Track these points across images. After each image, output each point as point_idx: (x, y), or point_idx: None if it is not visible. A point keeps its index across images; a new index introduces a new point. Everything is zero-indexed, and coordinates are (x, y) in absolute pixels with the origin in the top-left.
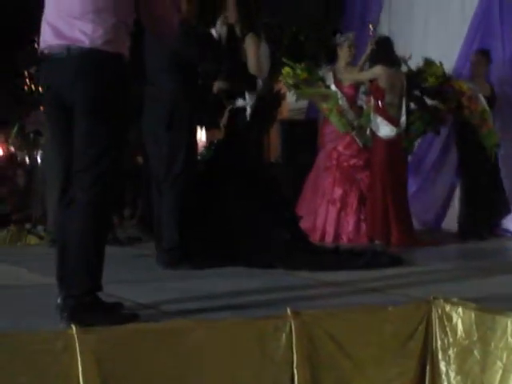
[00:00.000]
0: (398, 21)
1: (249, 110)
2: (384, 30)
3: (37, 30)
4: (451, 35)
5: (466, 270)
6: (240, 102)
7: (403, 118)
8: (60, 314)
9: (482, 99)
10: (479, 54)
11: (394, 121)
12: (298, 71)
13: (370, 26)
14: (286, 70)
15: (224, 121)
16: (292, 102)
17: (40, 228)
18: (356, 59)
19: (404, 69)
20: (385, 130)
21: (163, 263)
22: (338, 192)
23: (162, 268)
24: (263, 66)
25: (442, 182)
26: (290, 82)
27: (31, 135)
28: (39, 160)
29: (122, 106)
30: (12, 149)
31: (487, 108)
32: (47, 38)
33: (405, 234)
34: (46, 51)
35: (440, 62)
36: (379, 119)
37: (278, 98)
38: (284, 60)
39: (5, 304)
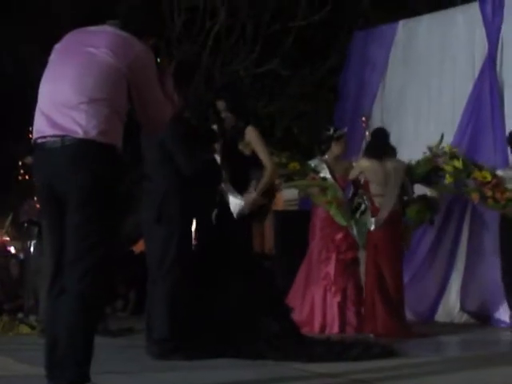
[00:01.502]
0: (391, 112)
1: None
2: (376, 122)
3: (32, 121)
4: (443, 124)
5: (459, 361)
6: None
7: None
8: None
9: None
10: None
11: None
12: (284, 160)
13: (363, 119)
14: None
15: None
16: (287, 193)
17: (32, 318)
18: (348, 153)
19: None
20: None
21: (153, 354)
22: (339, 284)
23: (152, 359)
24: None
25: (435, 273)
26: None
27: (25, 225)
28: (32, 250)
29: (114, 198)
30: (7, 238)
31: None
32: (41, 128)
33: (397, 324)
34: (39, 141)
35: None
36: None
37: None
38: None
39: None
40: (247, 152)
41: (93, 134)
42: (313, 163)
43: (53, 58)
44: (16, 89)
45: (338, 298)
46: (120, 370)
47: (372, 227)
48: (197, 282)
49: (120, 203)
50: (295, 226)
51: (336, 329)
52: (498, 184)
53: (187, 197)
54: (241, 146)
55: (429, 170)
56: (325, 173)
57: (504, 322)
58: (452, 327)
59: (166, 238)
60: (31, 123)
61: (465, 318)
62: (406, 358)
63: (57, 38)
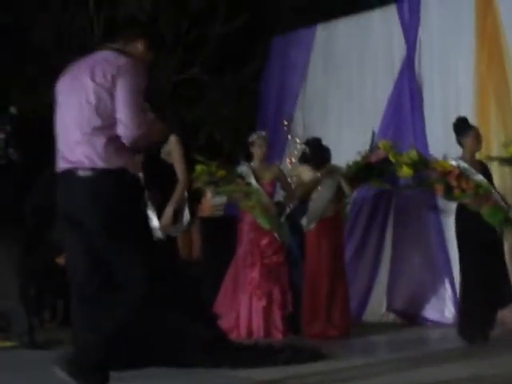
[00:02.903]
0: (313, 115)
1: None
2: (299, 125)
3: None
4: (365, 125)
5: (387, 363)
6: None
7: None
8: None
9: (476, 175)
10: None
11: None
12: (213, 169)
13: (285, 123)
14: (199, 168)
15: None
16: (215, 198)
17: None
18: (271, 156)
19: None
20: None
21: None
22: (264, 288)
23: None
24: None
25: (362, 273)
26: (205, 179)
27: None
28: None
29: (132, 218)
30: None
31: (483, 182)
32: (59, 164)
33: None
34: (59, 176)
35: (416, 149)
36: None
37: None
38: (197, 157)
39: None
40: (169, 160)
41: (99, 162)
42: (239, 169)
43: (56, 98)
44: None
45: (263, 303)
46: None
47: (310, 226)
48: None
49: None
50: (222, 232)
51: (262, 333)
52: (461, 173)
53: None
54: (163, 155)
55: (361, 168)
56: (250, 179)
57: (430, 321)
58: (379, 327)
59: None
60: None
61: (392, 317)
62: (335, 360)
63: None
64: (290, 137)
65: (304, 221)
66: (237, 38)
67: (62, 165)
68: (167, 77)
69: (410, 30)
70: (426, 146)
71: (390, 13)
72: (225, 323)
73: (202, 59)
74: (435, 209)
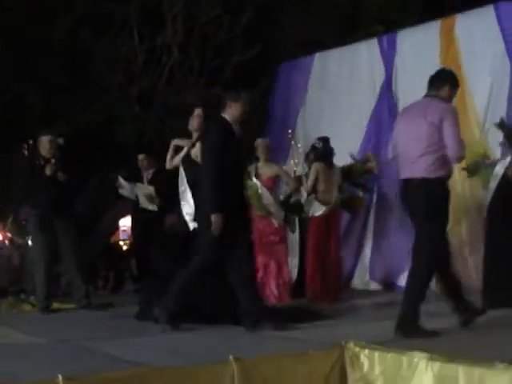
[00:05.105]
0: (312, 126)
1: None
2: (300, 134)
3: None
4: (352, 137)
5: (371, 320)
6: None
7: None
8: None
9: None
10: None
11: (326, 203)
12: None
13: (289, 131)
14: None
15: None
16: None
17: (32, 298)
18: (278, 158)
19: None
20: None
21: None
22: (260, 262)
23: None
24: None
25: (350, 248)
26: None
27: (23, 223)
28: (30, 243)
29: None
30: (9, 234)
31: None
32: (402, 173)
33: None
34: (401, 182)
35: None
36: (316, 203)
37: None
38: None
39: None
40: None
41: (430, 174)
42: (248, 168)
43: (397, 127)
44: None
45: (260, 274)
46: (103, 336)
47: (319, 213)
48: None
49: None
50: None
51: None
52: None
53: None
54: (193, 157)
55: (362, 173)
56: (251, 175)
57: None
58: (364, 292)
59: None
60: None
61: (374, 284)
62: (331, 319)
63: None
64: (293, 142)
65: (314, 207)
66: (251, 64)
67: (404, 174)
68: (195, 95)
69: (388, 58)
70: None
71: (373, 45)
72: None
73: (223, 81)
74: None
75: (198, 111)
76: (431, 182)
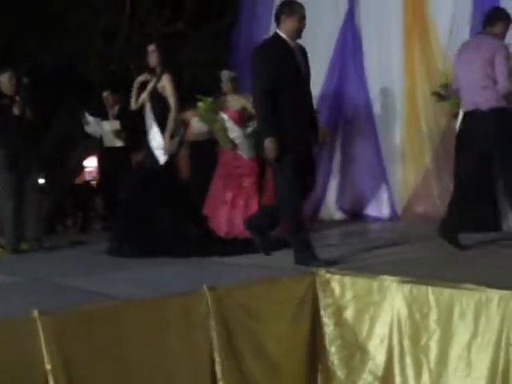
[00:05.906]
0: None
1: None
2: None
3: None
4: (319, 66)
5: (338, 248)
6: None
7: None
8: None
9: None
10: None
11: None
12: (212, 104)
13: None
14: (202, 105)
15: None
16: (196, 127)
17: (1, 239)
18: (245, 89)
19: None
20: None
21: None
22: (229, 195)
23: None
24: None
25: (318, 180)
26: (209, 114)
27: None
28: None
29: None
30: None
31: None
32: (465, 105)
33: None
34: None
35: None
36: None
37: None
38: (199, 97)
39: None
40: (164, 94)
41: (493, 104)
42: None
43: (459, 54)
44: None
45: (228, 206)
46: (76, 272)
47: None
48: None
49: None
50: (205, 155)
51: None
52: None
53: None
54: (159, 89)
55: None
56: (217, 108)
57: (371, 217)
58: (331, 223)
59: None
60: None
61: (340, 215)
62: None
63: None
64: None
65: None
66: None
67: (467, 106)
68: (156, 30)
69: None
70: (365, 82)
71: None
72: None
73: (185, 15)
74: (375, 131)
75: (150, 47)
76: (497, 110)
